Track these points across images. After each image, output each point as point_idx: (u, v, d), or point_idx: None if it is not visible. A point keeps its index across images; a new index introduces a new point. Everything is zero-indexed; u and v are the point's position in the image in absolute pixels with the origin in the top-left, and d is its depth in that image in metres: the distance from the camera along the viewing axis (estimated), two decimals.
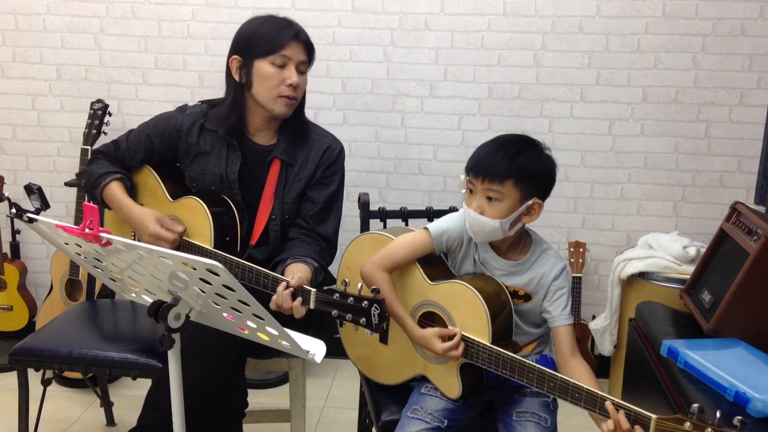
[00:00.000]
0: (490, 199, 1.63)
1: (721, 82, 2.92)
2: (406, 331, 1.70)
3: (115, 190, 2.03)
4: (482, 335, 1.60)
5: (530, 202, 1.64)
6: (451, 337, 1.61)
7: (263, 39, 1.90)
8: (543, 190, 1.67)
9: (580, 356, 1.66)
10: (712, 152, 2.98)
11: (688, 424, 1.26)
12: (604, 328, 2.88)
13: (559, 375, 1.48)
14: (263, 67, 1.90)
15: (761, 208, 2.79)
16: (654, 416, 1.32)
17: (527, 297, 1.71)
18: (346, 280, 1.66)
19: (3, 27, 3.12)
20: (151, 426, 1.75)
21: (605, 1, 2.90)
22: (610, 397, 1.39)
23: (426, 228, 1.76)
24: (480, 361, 1.60)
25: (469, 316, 1.63)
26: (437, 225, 1.76)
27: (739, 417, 1.22)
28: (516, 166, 1.60)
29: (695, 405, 1.27)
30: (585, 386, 1.43)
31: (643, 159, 3.02)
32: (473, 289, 1.62)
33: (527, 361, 1.53)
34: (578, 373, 1.58)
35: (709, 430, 1.23)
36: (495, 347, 1.57)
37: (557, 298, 1.69)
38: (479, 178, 1.63)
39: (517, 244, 1.74)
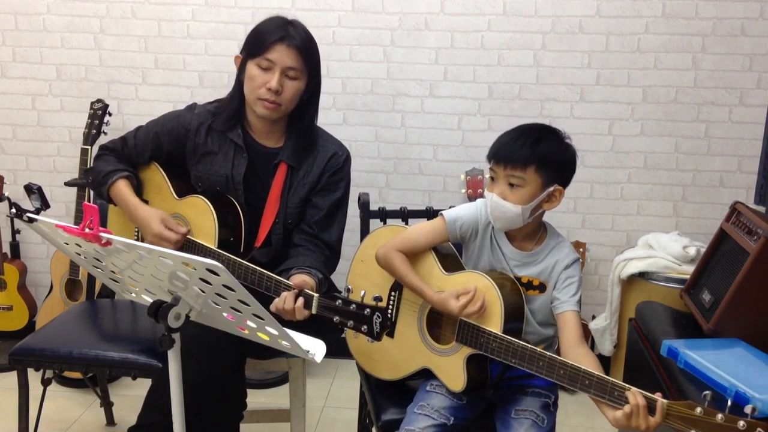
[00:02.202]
0: (512, 185, 1.65)
1: (721, 82, 2.92)
2: (426, 299, 1.71)
3: (122, 188, 2.02)
4: (494, 325, 1.61)
5: (551, 189, 1.66)
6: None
7: (255, 40, 1.91)
8: (564, 177, 1.69)
9: (587, 346, 1.64)
10: (712, 152, 2.98)
11: (699, 409, 1.26)
12: (604, 328, 2.88)
13: (570, 361, 1.48)
14: (251, 68, 1.90)
15: (761, 208, 2.78)
16: (665, 401, 1.32)
17: (542, 287, 1.72)
18: (349, 287, 1.66)
19: (3, 27, 3.12)
20: (151, 425, 1.75)
21: (605, 1, 2.90)
22: (626, 385, 1.38)
23: (441, 215, 1.78)
24: (490, 351, 1.60)
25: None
26: (452, 211, 1.79)
27: (751, 404, 1.22)
28: (537, 152, 1.63)
29: (707, 392, 1.27)
30: (595, 372, 1.44)
31: (643, 159, 3.02)
32: (489, 278, 1.64)
33: (537, 349, 1.53)
34: (585, 363, 1.52)
35: (720, 416, 1.23)
36: (506, 336, 1.58)
37: (566, 285, 1.70)
38: (501, 164, 1.65)
39: (533, 235, 1.75)
